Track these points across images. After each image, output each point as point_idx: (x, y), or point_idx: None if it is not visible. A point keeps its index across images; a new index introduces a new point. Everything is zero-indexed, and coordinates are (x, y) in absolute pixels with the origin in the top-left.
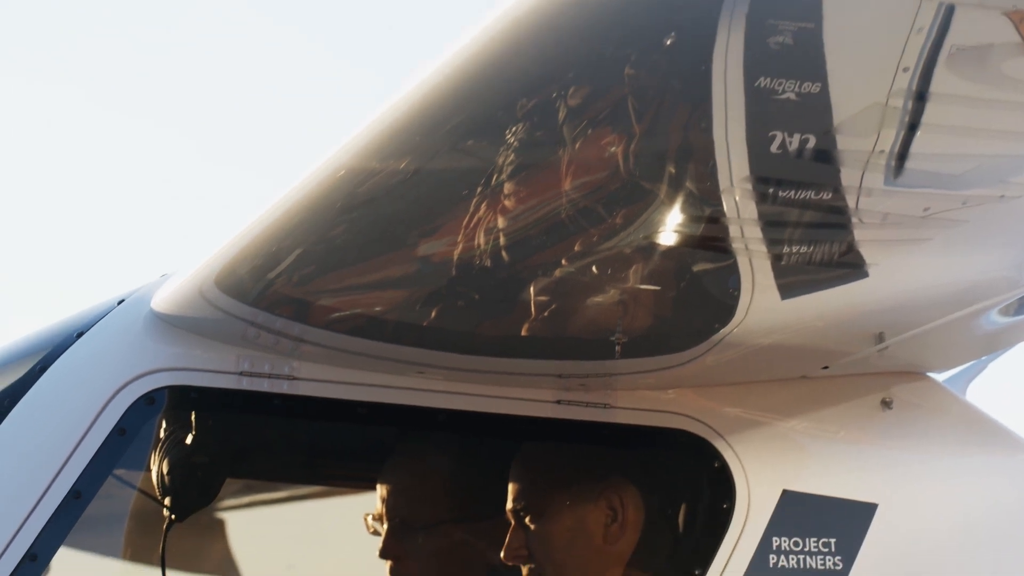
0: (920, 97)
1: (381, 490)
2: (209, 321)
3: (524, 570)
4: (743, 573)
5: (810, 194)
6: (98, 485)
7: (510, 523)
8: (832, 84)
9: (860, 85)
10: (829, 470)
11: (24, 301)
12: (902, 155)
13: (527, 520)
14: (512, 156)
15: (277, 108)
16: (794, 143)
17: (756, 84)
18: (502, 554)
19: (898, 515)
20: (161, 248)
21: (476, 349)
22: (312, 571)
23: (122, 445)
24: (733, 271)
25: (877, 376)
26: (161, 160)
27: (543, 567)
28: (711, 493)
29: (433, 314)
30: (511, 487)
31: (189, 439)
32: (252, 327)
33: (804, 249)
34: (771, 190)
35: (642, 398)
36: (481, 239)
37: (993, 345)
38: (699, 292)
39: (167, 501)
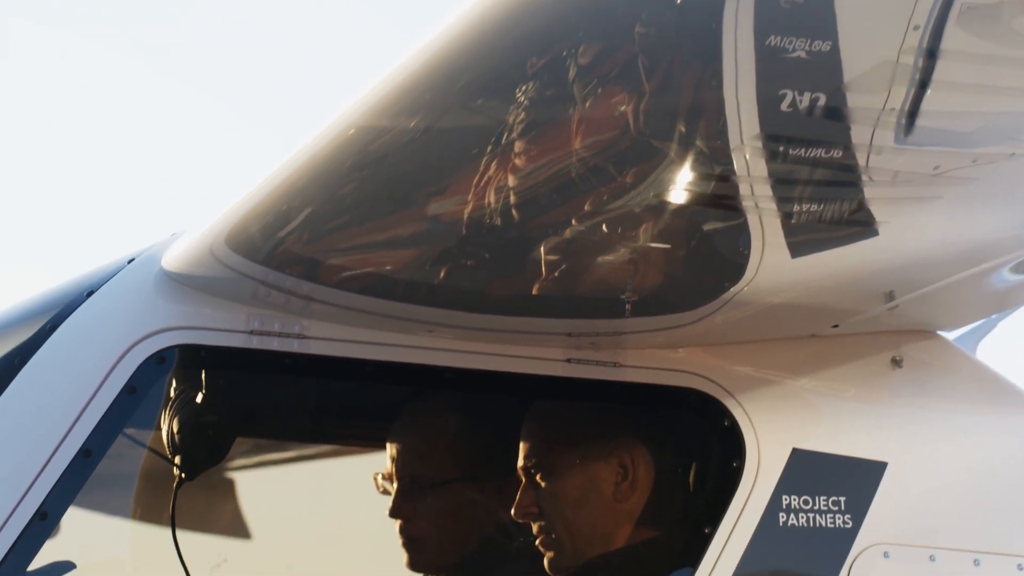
0: (931, 55)
1: (391, 449)
2: (219, 280)
3: (534, 527)
4: (753, 531)
5: (820, 152)
6: (108, 443)
7: (520, 481)
8: (843, 42)
9: (871, 43)
10: (839, 428)
11: (34, 263)
12: (912, 113)
13: (538, 478)
14: (522, 114)
15: (288, 71)
16: (804, 101)
17: (767, 42)
18: (512, 512)
19: (908, 473)
20: (170, 207)
21: (486, 307)
22: (321, 530)
23: (132, 404)
24: (743, 229)
25: (887, 334)
26: (171, 117)
27: (553, 524)
28: (721, 451)
29: (443, 273)
30: (522, 445)
31: (199, 398)
32: (262, 286)
33: (814, 207)
34: (781, 148)
35: (652, 357)
36: (491, 197)
37: (1004, 303)
38: (709, 250)
39: (177, 460)
